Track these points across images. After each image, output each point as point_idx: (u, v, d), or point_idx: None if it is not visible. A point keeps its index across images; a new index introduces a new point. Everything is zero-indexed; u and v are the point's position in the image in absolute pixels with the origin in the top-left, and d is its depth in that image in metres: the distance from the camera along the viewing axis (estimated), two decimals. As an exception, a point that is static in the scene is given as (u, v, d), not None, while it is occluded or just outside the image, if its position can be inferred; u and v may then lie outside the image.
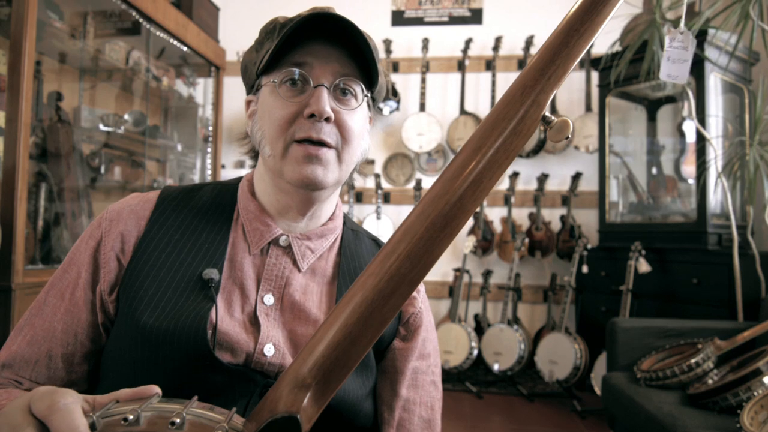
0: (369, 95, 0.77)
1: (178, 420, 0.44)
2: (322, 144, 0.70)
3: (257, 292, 0.73)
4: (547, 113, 0.50)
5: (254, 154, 0.83)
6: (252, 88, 0.78)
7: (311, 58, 0.71)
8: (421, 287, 0.85)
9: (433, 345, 0.85)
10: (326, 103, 0.69)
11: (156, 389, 0.49)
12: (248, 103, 0.79)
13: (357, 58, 0.72)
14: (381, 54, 3.97)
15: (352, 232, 0.86)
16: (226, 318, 0.69)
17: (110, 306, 0.72)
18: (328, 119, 0.70)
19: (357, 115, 0.74)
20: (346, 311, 0.50)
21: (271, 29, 0.75)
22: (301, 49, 0.71)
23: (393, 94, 3.92)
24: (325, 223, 0.81)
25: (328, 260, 0.80)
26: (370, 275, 0.50)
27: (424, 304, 0.84)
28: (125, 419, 0.43)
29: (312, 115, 0.69)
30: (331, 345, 0.50)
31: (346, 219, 0.87)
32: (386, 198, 4.01)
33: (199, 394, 0.64)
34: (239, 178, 0.83)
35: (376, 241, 0.89)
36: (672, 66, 1.59)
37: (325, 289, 0.78)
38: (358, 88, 0.73)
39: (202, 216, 0.77)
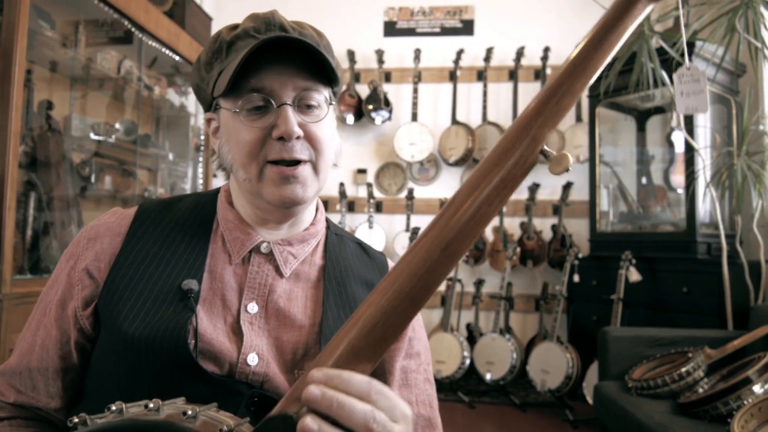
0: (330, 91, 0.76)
1: (191, 411, 0.49)
2: (297, 162, 0.70)
3: (240, 302, 0.73)
4: (546, 147, 0.52)
5: (224, 169, 0.82)
6: (210, 106, 0.77)
7: (269, 81, 0.69)
8: None
9: (423, 344, 0.84)
10: (293, 123, 0.69)
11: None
12: (209, 120, 0.78)
13: (313, 65, 0.71)
14: (373, 64, 3.99)
15: (336, 236, 0.85)
16: (208, 328, 0.69)
17: (86, 322, 0.71)
18: (297, 137, 0.70)
19: (325, 122, 0.73)
20: (352, 332, 0.50)
21: (217, 48, 0.73)
22: (256, 72, 0.69)
23: (385, 103, 3.94)
24: (307, 228, 0.81)
25: (311, 264, 0.79)
26: (374, 298, 0.50)
27: None
28: (185, 413, 0.48)
29: (281, 138, 0.69)
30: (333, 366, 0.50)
31: (330, 223, 0.87)
32: (378, 207, 4.01)
33: None
34: (217, 189, 0.83)
35: (360, 245, 0.88)
36: (688, 99, 1.62)
37: (310, 294, 0.77)
38: (321, 97, 0.73)
39: (180, 228, 0.76)
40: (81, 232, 0.77)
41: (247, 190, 0.74)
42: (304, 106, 0.71)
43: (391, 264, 0.88)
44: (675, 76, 1.56)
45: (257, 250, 0.76)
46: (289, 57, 0.70)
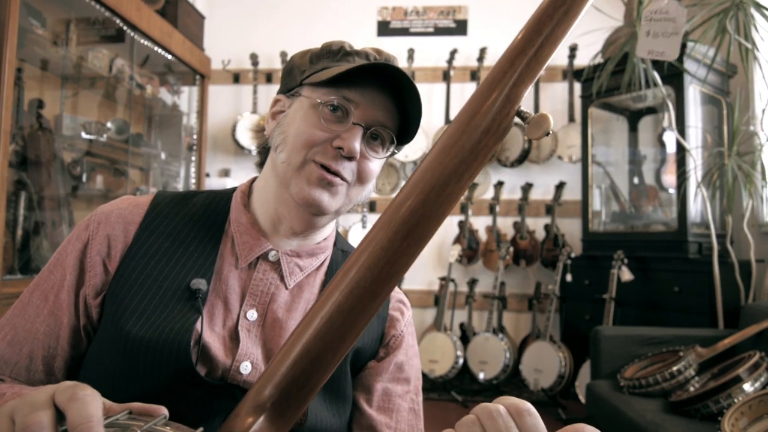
0: (395, 145, 0.78)
1: None
2: (338, 175, 0.71)
3: (240, 308, 0.72)
4: (523, 108, 0.46)
5: (263, 151, 0.81)
6: (288, 90, 0.77)
7: (361, 99, 0.71)
8: (408, 312, 0.84)
9: (415, 372, 0.83)
10: (358, 143, 0.70)
11: (164, 411, 0.48)
12: (276, 101, 0.78)
13: (402, 114, 0.73)
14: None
15: (342, 252, 0.84)
16: (206, 331, 0.68)
17: (93, 311, 0.70)
18: (351, 158, 0.70)
19: (378, 163, 0.75)
20: (308, 329, 0.49)
21: (336, 50, 0.75)
22: (355, 86, 0.71)
23: (379, 103, 3.94)
24: (318, 243, 0.80)
25: (315, 279, 0.79)
26: (331, 290, 0.49)
27: (407, 329, 0.83)
28: None
29: (339, 149, 0.69)
30: (290, 364, 0.49)
31: (338, 239, 0.86)
32: (372, 207, 4.01)
33: (176, 408, 0.62)
34: (233, 189, 0.82)
35: None
36: (654, 41, 1.42)
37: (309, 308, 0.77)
38: (389, 142, 0.74)
39: (193, 225, 0.75)
40: (90, 215, 0.75)
41: (280, 174, 0.73)
42: (371, 138, 0.73)
43: None
44: (645, 12, 1.41)
45: (265, 257, 0.75)
46: (387, 92, 0.72)
